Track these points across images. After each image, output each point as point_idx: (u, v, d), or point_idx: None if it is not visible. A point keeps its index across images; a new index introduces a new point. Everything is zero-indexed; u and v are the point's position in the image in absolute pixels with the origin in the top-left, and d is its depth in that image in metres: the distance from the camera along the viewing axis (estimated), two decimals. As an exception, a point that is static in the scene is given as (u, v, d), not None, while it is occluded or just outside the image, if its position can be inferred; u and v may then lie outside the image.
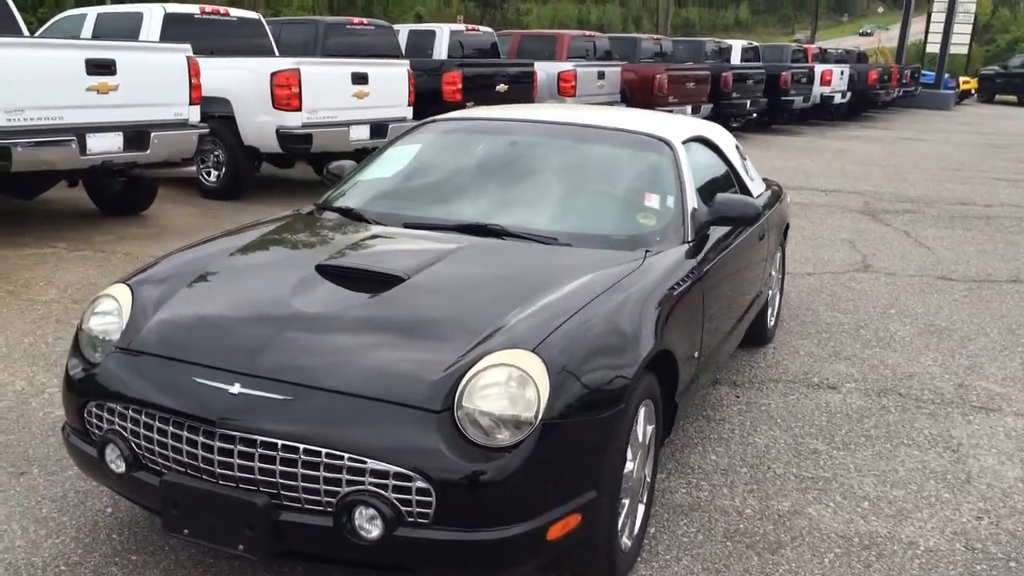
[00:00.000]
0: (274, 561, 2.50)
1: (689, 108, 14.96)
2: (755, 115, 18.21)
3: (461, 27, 13.98)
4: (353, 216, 3.60)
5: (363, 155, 10.16)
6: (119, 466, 2.61)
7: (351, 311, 2.72)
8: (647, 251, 3.24)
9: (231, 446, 2.40)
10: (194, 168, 8.08)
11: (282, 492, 2.38)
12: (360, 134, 9.30)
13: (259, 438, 2.38)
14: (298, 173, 10.97)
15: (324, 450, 2.34)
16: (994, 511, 3.42)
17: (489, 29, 14.77)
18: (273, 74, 8.67)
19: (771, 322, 5.25)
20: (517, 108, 4.53)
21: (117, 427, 2.62)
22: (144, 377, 2.64)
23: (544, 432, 2.35)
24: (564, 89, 12.92)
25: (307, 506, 2.38)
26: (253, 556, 2.43)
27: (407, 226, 3.44)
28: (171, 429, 2.49)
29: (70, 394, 2.81)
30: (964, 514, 3.39)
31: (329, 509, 2.36)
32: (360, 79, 9.27)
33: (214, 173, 9.32)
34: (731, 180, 4.36)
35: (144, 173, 7.71)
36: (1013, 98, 35.92)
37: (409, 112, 9.98)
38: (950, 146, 18.06)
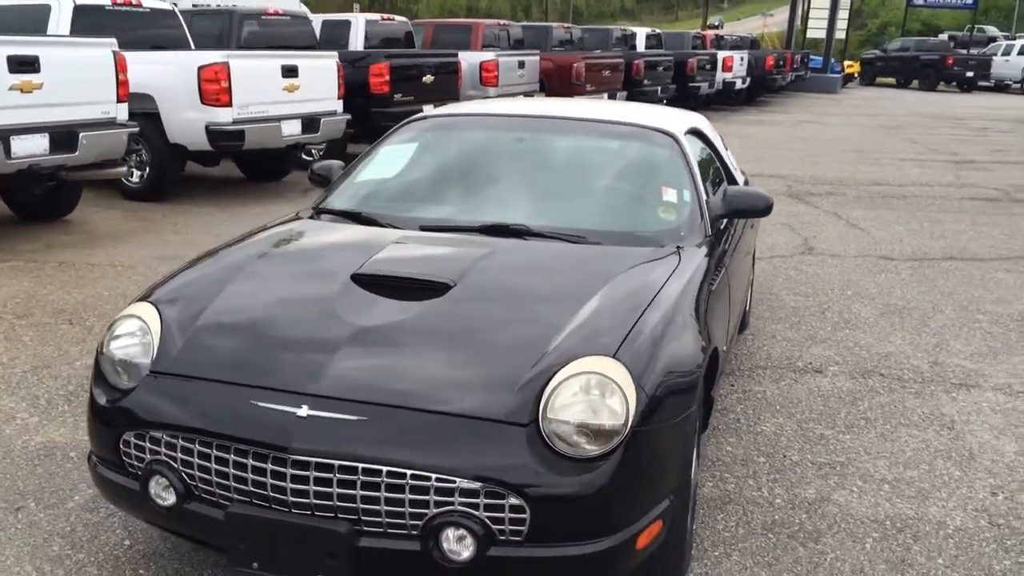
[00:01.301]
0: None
1: (605, 95, 15.07)
2: (665, 102, 18.48)
3: (376, 16, 13.71)
4: (363, 220, 3.45)
5: (295, 152, 9.96)
6: (166, 499, 2.44)
7: (407, 322, 2.60)
8: (678, 247, 3.21)
9: (306, 472, 2.26)
10: (124, 169, 7.68)
11: (363, 517, 2.26)
12: (292, 129, 9.02)
13: (336, 463, 2.25)
14: (220, 171, 10.57)
15: (409, 471, 2.23)
16: (1006, 486, 3.54)
17: (404, 19, 14.55)
18: (200, 68, 8.31)
19: (747, 307, 5.32)
20: (507, 103, 4.44)
21: (164, 457, 2.44)
22: (192, 403, 2.47)
23: (633, 440, 2.30)
24: (486, 79, 12.82)
25: (389, 530, 2.27)
26: (335, 586, 2.30)
27: (424, 229, 3.32)
28: (232, 457, 2.33)
29: (100, 425, 2.61)
30: (979, 491, 3.50)
31: (414, 532, 2.25)
32: (290, 72, 8.97)
33: (137, 173, 8.88)
34: (721, 170, 4.38)
35: (71, 176, 7.27)
36: (892, 80, 37.56)
37: (339, 105, 9.73)
38: (849, 129, 18.72)
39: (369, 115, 10.57)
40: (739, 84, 22.19)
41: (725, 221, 3.75)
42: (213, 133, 8.38)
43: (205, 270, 3.02)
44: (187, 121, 8.47)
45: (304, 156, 10.71)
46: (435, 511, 2.22)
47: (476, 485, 2.21)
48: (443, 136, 3.99)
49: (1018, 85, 34.45)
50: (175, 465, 2.42)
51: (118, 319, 2.74)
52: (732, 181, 4.46)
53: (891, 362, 4.88)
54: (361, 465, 2.24)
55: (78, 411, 4.00)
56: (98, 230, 7.67)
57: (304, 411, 2.32)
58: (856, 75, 38.68)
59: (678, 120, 4.10)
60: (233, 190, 9.73)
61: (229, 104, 8.39)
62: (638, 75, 16.73)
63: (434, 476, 2.22)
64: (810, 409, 4.23)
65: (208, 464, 2.37)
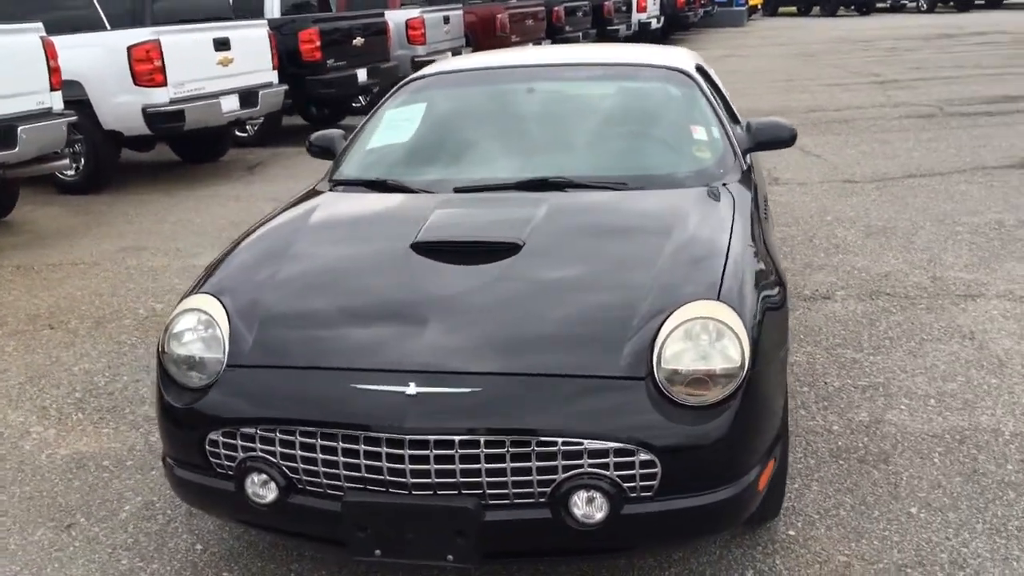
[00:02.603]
0: (483, 565, 2.30)
1: (530, 45, 14.90)
2: (585, 47, 18.35)
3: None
4: (390, 188, 3.31)
5: (232, 130, 9.59)
6: (266, 496, 2.32)
7: (489, 287, 2.50)
8: (724, 184, 3.17)
9: (425, 452, 2.16)
10: (67, 161, 7.27)
11: (487, 491, 2.18)
12: (231, 105, 8.66)
13: (457, 438, 2.16)
14: (153, 156, 10.12)
15: (534, 439, 2.15)
16: (1043, 388, 3.64)
17: (319, -19, 14.06)
18: (130, 48, 7.88)
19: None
20: (509, 53, 4.28)
21: (260, 453, 2.31)
22: (283, 393, 2.34)
23: (750, 383, 2.27)
24: (413, 37, 12.52)
25: (516, 501, 2.19)
26: (465, 565, 2.22)
27: (458, 191, 3.19)
28: (341, 445, 2.22)
29: (179, 428, 2.46)
30: (1020, 396, 3.59)
31: (542, 500, 2.18)
32: (222, 45, 8.59)
33: (71, 166, 8.42)
34: (729, 105, 4.34)
35: (11, 174, 6.86)
36: (793, 9, 38.11)
37: (275, 76, 9.38)
38: (767, 60, 18.93)
39: (304, 84, 10.24)
40: (654, 24, 22.21)
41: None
42: (151, 116, 7.99)
43: (251, 255, 2.85)
44: (121, 105, 8.04)
45: (238, 133, 10.35)
46: (563, 476, 2.16)
47: (605, 445, 2.15)
48: (452, 94, 3.85)
49: (914, 4, 35.34)
50: (274, 460, 2.29)
51: (176, 316, 2.57)
52: (734, 116, 4.43)
53: (893, 281, 4.96)
54: (483, 438, 2.16)
55: (95, 418, 3.79)
56: (45, 229, 7.27)
57: (412, 389, 2.22)
58: (759, 7, 39.12)
59: (683, 58, 4.03)
60: (172, 174, 9.34)
61: (164, 84, 8.00)
62: (559, 22, 16.57)
63: (560, 441, 2.15)
64: (833, 335, 4.27)
65: (313, 455, 2.25)
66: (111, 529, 2.99)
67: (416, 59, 12.44)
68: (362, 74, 10.90)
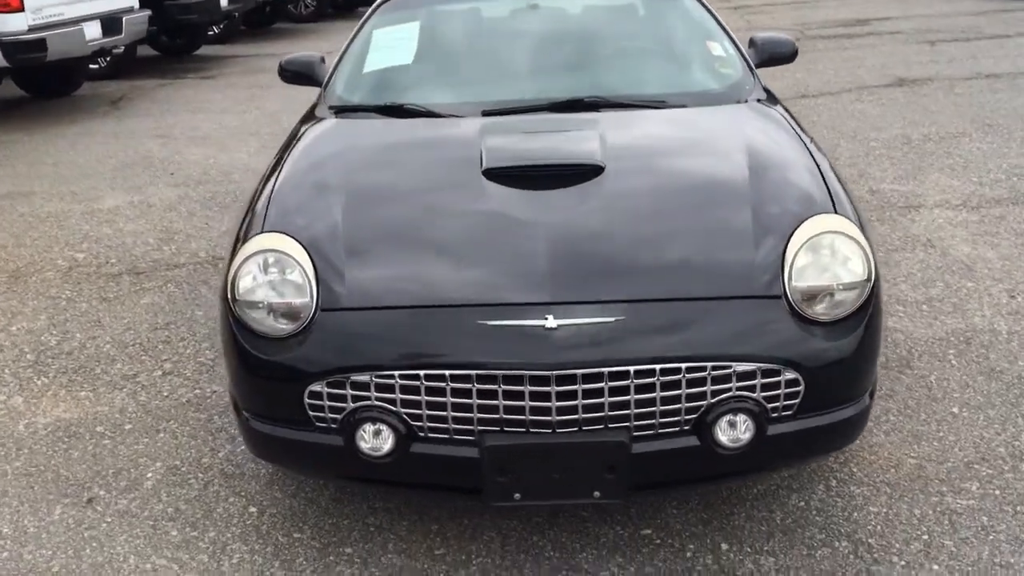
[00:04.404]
0: (629, 499, 2.21)
1: None
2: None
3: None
4: (410, 112, 3.06)
5: (100, 57, 8.71)
6: (381, 447, 2.13)
7: (594, 210, 2.37)
8: (759, 99, 3.13)
9: (573, 387, 2.04)
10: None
11: (634, 423, 2.09)
12: (94, 32, 7.86)
13: (606, 370, 2.04)
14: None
15: (684, 365, 2.07)
16: (1016, 287, 3.87)
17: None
18: (-24, -31, 6.98)
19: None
20: None
21: (375, 402, 2.11)
22: (399, 335, 2.14)
23: (872, 291, 2.26)
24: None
25: (661, 431, 2.11)
26: (613, 500, 2.14)
27: (487, 114, 3.00)
28: (477, 387, 2.06)
29: (270, 382, 2.21)
30: (998, 296, 3.81)
31: (686, 428, 2.11)
32: (79, -34, 7.75)
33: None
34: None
35: None
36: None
37: (136, 1, 8.57)
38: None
39: (162, 9, 9.43)
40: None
41: None
42: (9, 46, 7.13)
43: (300, 190, 2.57)
44: (-30, 34, 7.15)
45: (91, 65, 9.45)
46: (712, 400, 2.09)
47: (752, 366, 2.09)
48: (447, 11, 3.60)
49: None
50: (393, 408, 2.10)
51: (245, 259, 2.28)
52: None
53: (836, 196, 5.13)
54: (633, 368, 2.05)
55: (63, 381, 3.40)
56: None
57: (552, 321, 2.07)
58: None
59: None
60: (24, 112, 8.42)
61: (21, 8, 7.14)
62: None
63: (710, 365, 2.08)
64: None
65: (442, 399, 2.08)
66: (142, 500, 2.69)
67: (272, -18, 11.74)
68: (224, -1, 10.17)
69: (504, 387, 2.05)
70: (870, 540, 2.41)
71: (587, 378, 2.04)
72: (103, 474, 2.83)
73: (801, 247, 2.22)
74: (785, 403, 2.14)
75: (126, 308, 4.00)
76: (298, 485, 2.72)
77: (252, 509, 2.63)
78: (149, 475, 2.81)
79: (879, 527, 2.46)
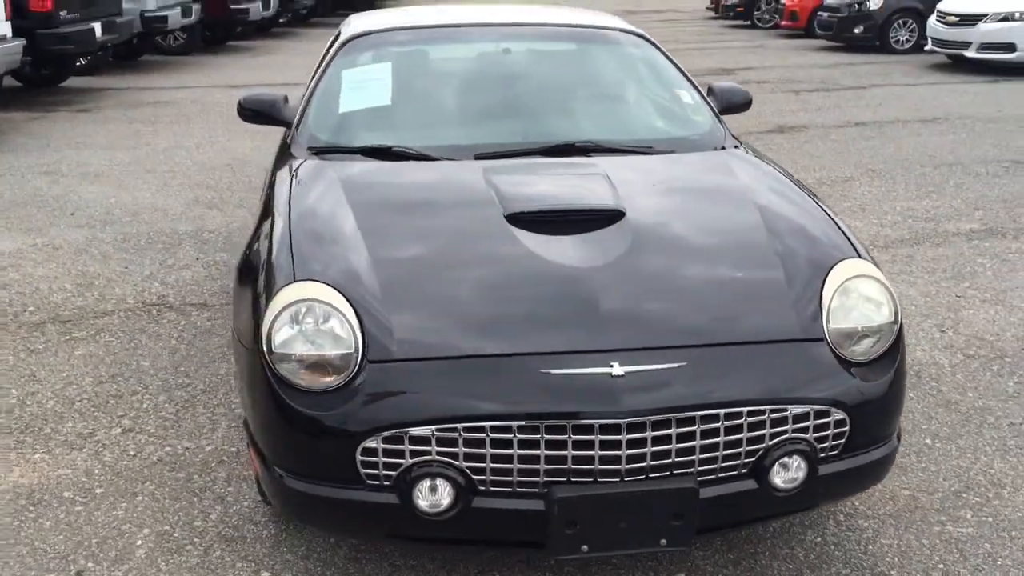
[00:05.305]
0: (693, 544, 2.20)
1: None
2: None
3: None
4: (399, 156, 2.98)
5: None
6: (440, 503, 2.05)
7: (628, 255, 2.37)
8: (735, 146, 3.25)
9: (643, 434, 2.03)
10: None
11: (699, 468, 2.10)
12: (-36, 62, 7.32)
13: (674, 416, 2.05)
14: None
15: (746, 409, 2.10)
16: (943, 322, 4.14)
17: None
18: None
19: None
20: (443, 12, 3.97)
21: (436, 456, 2.03)
22: (460, 386, 2.07)
23: (899, 333, 2.37)
24: (142, -10, 11.30)
25: (721, 475, 2.13)
26: (678, 547, 2.13)
27: (479, 157, 2.97)
28: (545, 437, 2.02)
29: (318, 439, 2.09)
30: (929, 331, 4.05)
31: (744, 471, 2.14)
32: (-52, -10, 7.22)
33: None
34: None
35: None
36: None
37: (8, 29, 8.05)
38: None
39: (34, 39, 8.87)
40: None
41: None
42: None
43: (314, 239, 2.44)
44: None
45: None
46: (770, 443, 2.13)
47: (806, 408, 2.15)
48: (419, 52, 3.55)
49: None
50: (456, 463, 2.03)
51: (281, 309, 2.16)
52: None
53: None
54: (699, 413, 2.07)
55: (9, 443, 3.10)
56: None
57: (619, 369, 2.06)
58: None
59: (622, 21, 4.03)
60: None
61: None
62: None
63: (769, 408, 2.12)
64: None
65: (508, 451, 2.02)
66: (139, 571, 2.48)
67: (145, 13, 11.31)
68: (98, 28, 9.67)
69: (574, 436, 2.02)
70: (891, 572, 2.50)
71: (656, 425, 2.04)
72: (85, 544, 2.59)
73: (836, 291, 2.31)
74: (832, 443, 2.21)
75: (60, 360, 3.70)
76: (308, 545, 2.58)
77: (265, 574, 2.47)
78: (139, 543, 2.60)
79: (896, 559, 2.56)
